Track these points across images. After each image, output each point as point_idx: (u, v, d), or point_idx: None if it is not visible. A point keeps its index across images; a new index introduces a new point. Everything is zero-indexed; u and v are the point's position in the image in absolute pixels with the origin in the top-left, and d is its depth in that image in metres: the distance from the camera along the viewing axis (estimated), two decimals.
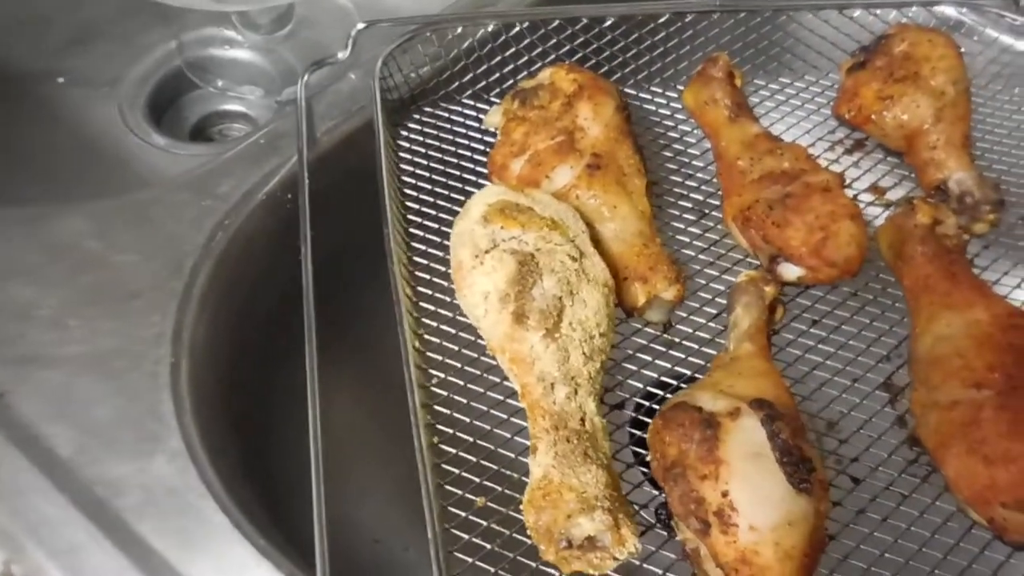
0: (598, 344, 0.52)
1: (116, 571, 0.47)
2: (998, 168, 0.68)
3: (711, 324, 0.59)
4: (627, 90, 0.72)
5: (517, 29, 0.72)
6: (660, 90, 0.74)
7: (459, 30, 0.70)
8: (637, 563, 0.48)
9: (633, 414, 0.55)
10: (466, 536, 0.48)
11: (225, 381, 0.58)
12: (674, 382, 0.56)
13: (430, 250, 0.61)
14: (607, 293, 0.54)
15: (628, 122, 0.63)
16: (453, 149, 0.68)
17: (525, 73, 0.73)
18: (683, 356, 0.57)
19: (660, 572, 0.48)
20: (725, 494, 0.44)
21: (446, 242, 0.61)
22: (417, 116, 0.71)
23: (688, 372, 0.57)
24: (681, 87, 0.73)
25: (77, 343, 0.55)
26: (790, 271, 0.58)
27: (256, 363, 0.63)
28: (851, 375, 0.57)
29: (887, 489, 0.52)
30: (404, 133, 0.69)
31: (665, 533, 0.49)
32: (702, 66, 0.70)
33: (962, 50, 0.68)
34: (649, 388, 0.56)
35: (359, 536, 0.68)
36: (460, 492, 0.50)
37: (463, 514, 0.49)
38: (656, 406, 0.55)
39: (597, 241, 0.57)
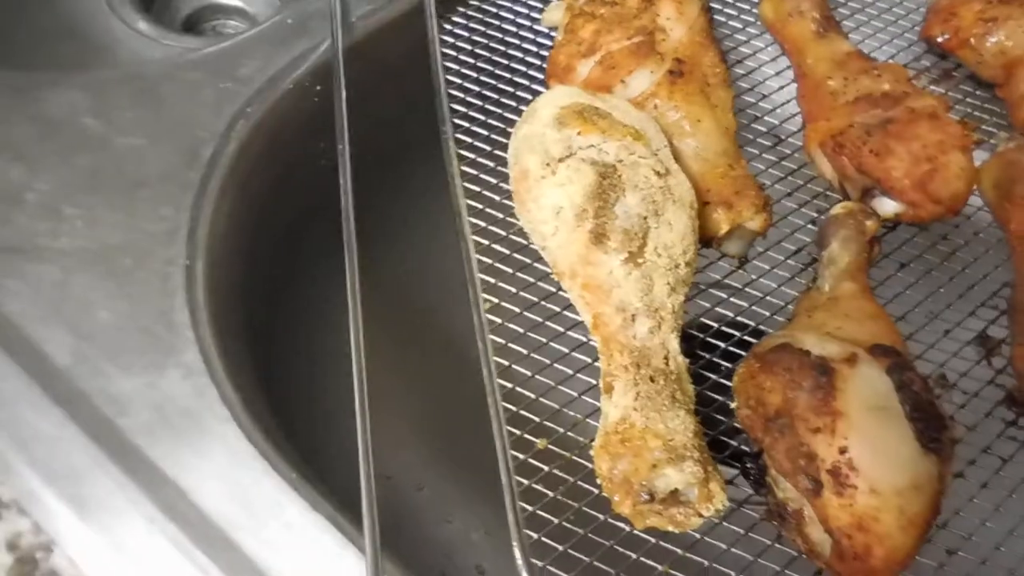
0: (683, 274, 0.46)
1: (123, 500, 0.40)
2: None
3: (790, 261, 0.53)
4: None
5: None
6: (730, 0, 0.66)
7: None
8: (716, 521, 0.43)
9: (706, 354, 0.50)
10: (526, 482, 0.43)
11: (246, 288, 0.51)
12: (752, 323, 0.51)
13: (478, 159, 0.54)
14: (693, 216, 0.47)
15: (712, 26, 0.56)
16: (503, 48, 0.60)
17: None
18: (760, 295, 0.52)
19: (740, 531, 0.43)
20: (843, 450, 0.38)
21: (497, 151, 0.54)
22: (462, 9, 0.63)
23: (766, 312, 0.51)
24: None
25: (74, 235, 0.47)
26: (887, 206, 0.52)
27: (282, 269, 0.56)
28: (942, 326, 0.51)
29: (985, 452, 0.47)
30: (447, 27, 0.61)
31: (751, 490, 0.44)
32: None
33: None
34: (724, 328, 0.50)
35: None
36: (519, 432, 0.44)
37: (522, 456, 0.43)
38: (735, 349, 0.49)
39: (676, 159, 0.50)
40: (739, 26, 0.65)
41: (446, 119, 0.49)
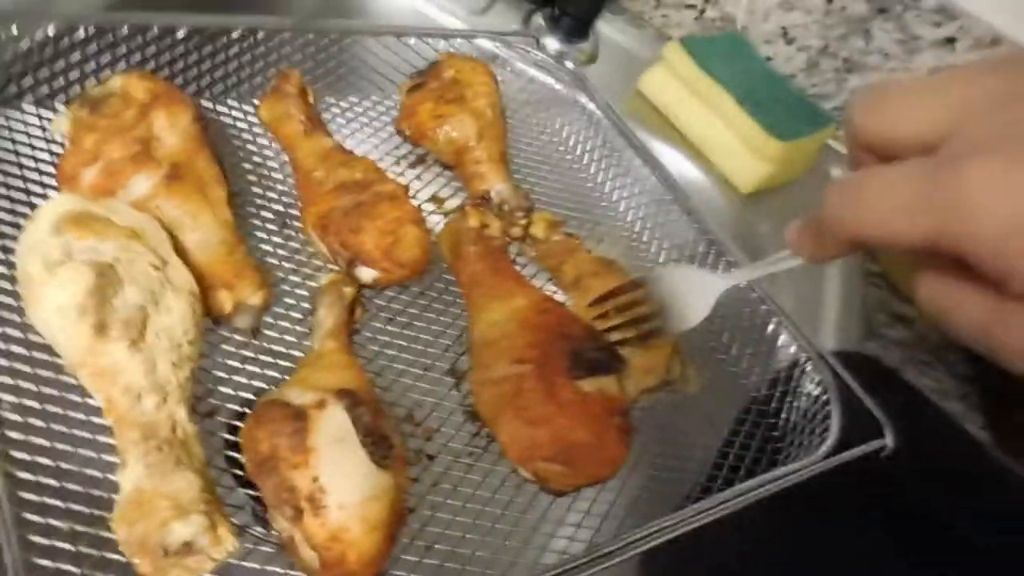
0: (186, 352, 0.53)
1: None
2: (530, 180, 0.80)
3: (298, 328, 0.62)
4: (203, 103, 0.72)
5: (83, 34, 0.68)
6: (237, 104, 0.75)
7: (14, 30, 0.65)
8: (235, 562, 0.50)
9: (225, 420, 0.57)
10: (51, 564, 0.46)
11: None
12: (267, 386, 0.59)
13: None
14: (193, 300, 0.55)
15: (205, 132, 0.64)
16: (14, 158, 0.63)
17: (94, 79, 0.69)
18: (273, 360, 0.60)
19: (258, 567, 0.51)
20: (315, 479, 0.47)
21: (11, 258, 0.57)
22: None
23: (279, 375, 0.60)
24: (257, 101, 0.75)
25: None
26: (366, 273, 0.63)
27: None
28: (423, 364, 0.64)
29: (456, 461, 0.59)
30: None
31: (263, 529, 0.52)
32: (275, 81, 0.73)
33: (499, 79, 0.80)
34: (242, 393, 0.58)
35: None
36: (43, 520, 0.48)
37: (47, 541, 0.47)
38: (250, 410, 0.57)
39: (181, 251, 0.57)
40: (246, 126, 0.74)
41: None
